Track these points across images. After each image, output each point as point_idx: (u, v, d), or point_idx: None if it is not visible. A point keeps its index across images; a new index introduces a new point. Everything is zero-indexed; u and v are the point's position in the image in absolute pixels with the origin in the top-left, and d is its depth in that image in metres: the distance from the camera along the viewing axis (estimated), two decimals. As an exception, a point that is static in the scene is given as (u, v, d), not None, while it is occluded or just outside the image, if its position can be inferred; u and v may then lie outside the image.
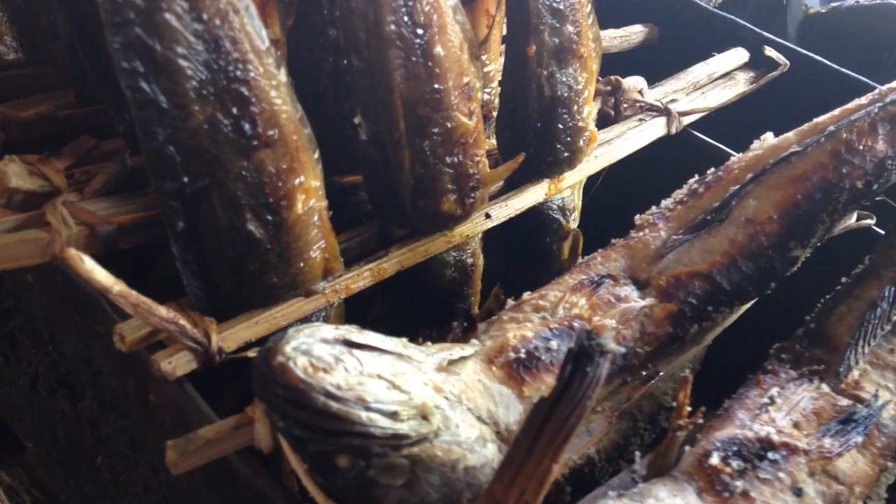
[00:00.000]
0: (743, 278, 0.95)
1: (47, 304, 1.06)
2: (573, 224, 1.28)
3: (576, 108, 1.15)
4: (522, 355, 0.82)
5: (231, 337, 0.89)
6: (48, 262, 0.93)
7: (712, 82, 1.58)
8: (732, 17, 1.72)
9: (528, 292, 0.93)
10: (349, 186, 1.12)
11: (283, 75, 0.81)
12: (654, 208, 1.01)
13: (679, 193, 1.01)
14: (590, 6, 1.12)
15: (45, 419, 1.16)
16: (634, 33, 1.72)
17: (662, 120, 1.41)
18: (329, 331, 0.72)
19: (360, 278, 1.00)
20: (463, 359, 0.80)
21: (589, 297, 0.89)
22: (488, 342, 0.84)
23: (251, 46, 0.77)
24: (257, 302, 0.91)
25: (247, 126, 0.80)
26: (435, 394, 0.73)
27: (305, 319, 0.94)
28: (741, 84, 1.60)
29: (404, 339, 0.79)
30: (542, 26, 1.07)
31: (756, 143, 1.05)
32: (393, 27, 0.90)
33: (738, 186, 0.98)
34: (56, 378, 1.09)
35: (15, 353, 1.16)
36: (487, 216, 1.12)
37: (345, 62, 1.06)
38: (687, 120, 1.45)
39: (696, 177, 1.03)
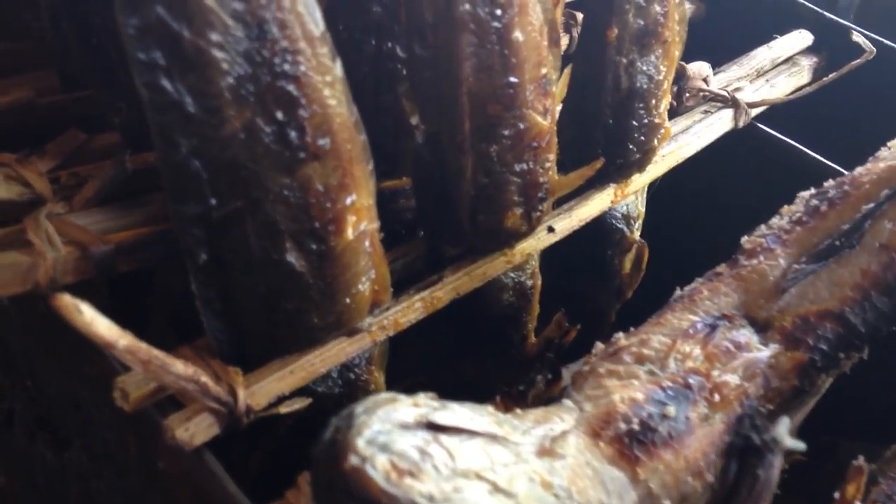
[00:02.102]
0: (878, 316, 0.78)
1: (25, 333, 0.87)
2: (637, 234, 1.11)
3: (653, 101, 0.98)
4: (635, 426, 0.65)
5: (261, 391, 0.71)
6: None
7: (775, 68, 1.41)
8: (788, -7, 1.54)
9: (622, 334, 0.76)
10: (388, 193, 0.94)
11: (338, 69, 0.63)
12: (763, 228, 0.84)
13: (794, 211, 0.84)
14: (677, -21, 0.94)
15: (21, 461, 0.97)
16: (679, 10, 1.53)
17: (729, 112, 1.24)
18: (407, 410, 0.55)
19: (411, 310, 0.82)
20: (564, 433, 0.63)
21: (703, 344, 0.73)
22: (588, 406, 0.68)
23: (303, 32, 0.59)
24: (291, 345, 0.74)
25: (293, 134, 0.61)
26: (544, 493, 0.56)
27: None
28: (806, 70, 1.43)
29: (491, 409, 0.62)
30: (627, 5, 0.90)
31: (885, 151, 0.88)
32: (467, 6, 0.72)
33: (871, 205, 0.81)
34: (35, 419, 0.90)
35: (-14, 383, 0.98)
36: (551, 230, 0.95)
37: (388, 45, 0.88)
38: (754, 112, 1.28)
39: (812, 190, 0.86)
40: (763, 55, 1.39)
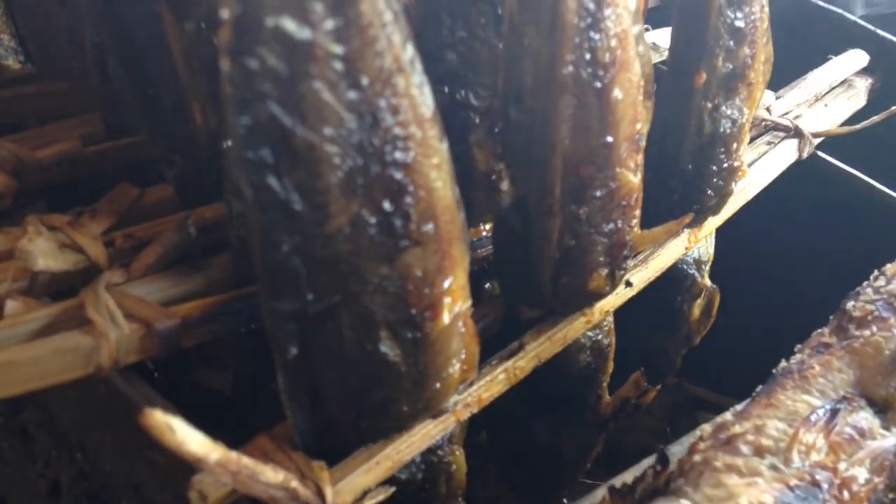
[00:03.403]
0: None
1: (77, 407, 0.82)
2: (707, 279, 1.05)
3: (735, 145, 0.92)
4: (767, 535, 0.60)
5: (347, 487, 0.66)
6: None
7: (832, 90, 1.35)
8: (839, 10, 1.48)
9: (731, 417, 0.70)
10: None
11: (445, 148, 0.57)
12: (870, 292, 0.79)
13: (904, 271, 0.79)
14: (767, 19, 0.88)
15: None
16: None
17: (793, 143, 1.18)
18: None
19: (494, 383, 0.77)
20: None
21: (826, 433, 0.67)
22: (709, 508, 0.62)
23: (415, 115, 0.53)
24: (376, 433, 0.68)
25: (398, 223, 0.56)
26: None
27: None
28: (862, 92, 1.37)
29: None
30: (717, 49, 0.84)
31: None
32: (570, 68, 0.66)
33: None
34: (86, 494, 0.85)
35: (28, 447, 0.92)
36: (628, 284, 0.89)
37: (461, 93, 0.82)
38: (816, 140, 1.22)
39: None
40: (820, 78, 1.33)
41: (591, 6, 0.64)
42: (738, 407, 0.72)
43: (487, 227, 0.91)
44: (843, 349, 0.74)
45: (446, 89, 0.83)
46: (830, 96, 1.34)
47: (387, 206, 0.54)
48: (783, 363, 0.75)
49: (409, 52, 0.51)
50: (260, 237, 0.52)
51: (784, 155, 1.16)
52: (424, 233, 0.58)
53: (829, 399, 0.70)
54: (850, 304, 0.78)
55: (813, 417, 0.68)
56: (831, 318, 0.81)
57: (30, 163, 0.81)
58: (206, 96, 0.79)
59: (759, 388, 0.74)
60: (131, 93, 0.82)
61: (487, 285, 0.95)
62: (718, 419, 0.72)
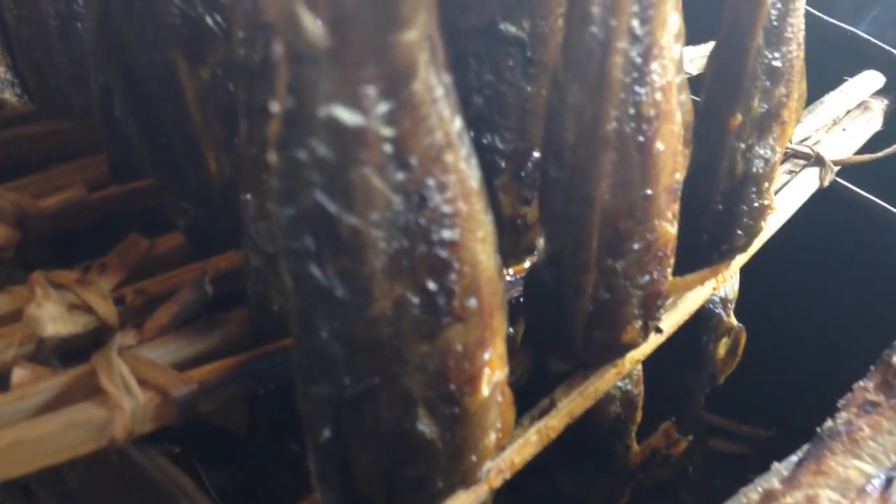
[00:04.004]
0: None
1: (85, 469, 0.77)
2: (733, 318, 1.02)
3: (766, 184, 0.89)
4: None
5: (378, 565, 0.62)
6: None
7: (848, 114, 1.32)
8: (853, 29, 1.45)
9: (779, 485, 0.67)
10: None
11: (490, 220, 0.53)
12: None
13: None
14: (803, 56, 0.85)
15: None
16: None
17: (815, 171, 1.15)
18: None
19: (527, 446, 0.74)
20: None
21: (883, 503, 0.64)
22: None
23: (462, 190, 0.50)
24: (410, 508, 0.64)
25: (441, 301, 0.52)
26: None
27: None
28: (878, 115, 1.34)
29: None
30: (754, 90, 0.80)
31: None
32: (614, 124, 0.62)
33: None
34: (93, 558, 0.80)
35: (31, 505, 0.87)
36: (658, 330, 0.86)
37: (488, 138, 0.79)
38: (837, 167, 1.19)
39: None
40: (837, 101, 1.30)
41: (638, 61, 0.60)
42: (785, 472, 0.69)
43: (510, 270, 0.88)
44: (891, 408, 0.71)
45: (472, 134, 0.79)
46: (848, 119, 1.31)
47: (431, 285, 0.51)
48: (829, 422, 0.72)
49: (458, 124, 0.47)
50: (298, 323, 0.48)
51: (806, 184, 1.13)
52: (468, 308, 0.54)
53: (882, 466, 0.67)
54: (894, 359, 0.75)
55: (868, 488, 0.65)
56: (872, 369, 0.78)
57: (33, 213, 0.77)
58: (221, 144, 0.75)
59: (806, 448, 0.71)
60: (140, 139, 0.78)
61: (510, 330, 0.92)
62: (765, 485, 0.68)
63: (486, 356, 0.59)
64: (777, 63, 0.80)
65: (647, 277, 0.75)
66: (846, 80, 1.35)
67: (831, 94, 1.30)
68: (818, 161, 1.15)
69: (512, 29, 0.75)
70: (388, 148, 0.43)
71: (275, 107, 0.38)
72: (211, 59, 0.71)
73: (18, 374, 0.65)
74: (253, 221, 0.70)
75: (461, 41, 0.75)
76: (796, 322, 1.30)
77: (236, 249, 0.81)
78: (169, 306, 0.71)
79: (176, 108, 0.73)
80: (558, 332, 0.76)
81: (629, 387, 0.87)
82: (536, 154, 0.80)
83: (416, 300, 0.51)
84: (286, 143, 0.39)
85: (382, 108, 0.42)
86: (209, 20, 0.69)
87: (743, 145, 0.84)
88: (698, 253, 0.90)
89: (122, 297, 0.73)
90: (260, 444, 0.85)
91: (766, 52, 0.79)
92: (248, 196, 0.69)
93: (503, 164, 0.81)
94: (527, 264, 0.85)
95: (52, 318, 0.66)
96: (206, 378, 0.69)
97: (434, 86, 0.44)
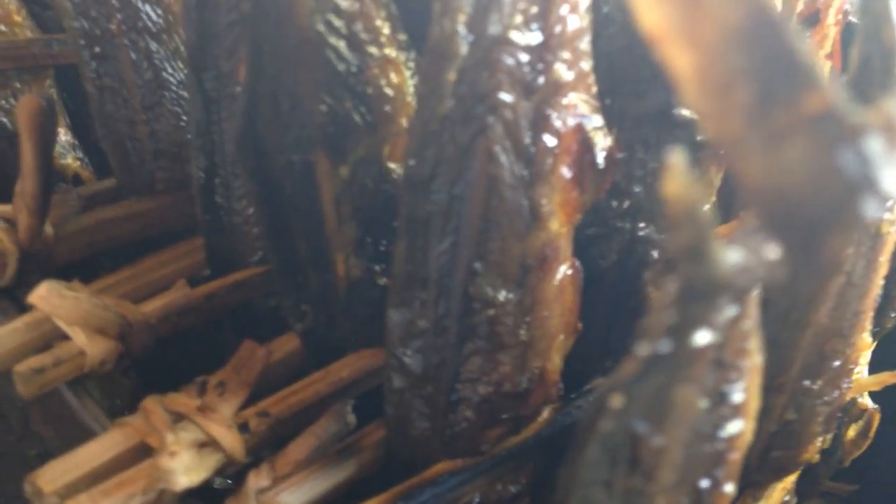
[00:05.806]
0: None
1: None
2: (867, 398, 0.94)
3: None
4: None
5: None
6: None
7: None
8: None
9: None
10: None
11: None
12: None
13: None
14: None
15: None
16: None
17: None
18: None
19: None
20: None
21: None
22: None
23: (752, 375, 0.40)
24: None
25: (707, 499, 0.43)
26: None
27: None
28: None
29: None
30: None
31: None
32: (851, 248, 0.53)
33: None
34: None
35: None
36: (817, 434, 0.77)
37: (643, 227, 0.70)
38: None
39: None
40: None
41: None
42: None
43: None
44: None
45: (628, 225, 0.71)
46: None
47: (704, 483, 0.42)
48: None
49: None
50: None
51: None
52: (724, 495, 0.45)
53: None
54: None
55: None
56: None
57: (136, 321, 0.67)
58: (353, 244, 0.66)
59: None
60: (271, 244, 0.69)
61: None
62: None
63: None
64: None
65: (835, 393, 0.67)
66: None
67: None
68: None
69: (686, 113, 0.66)
70: (711, 354, 0.35)
71: (644, 349, 0.29)
72: (352, 157, 0.62)
73: (146, 536, 0.56)
74: (401, 340, 0.61)
75: (630, 128, 0.66)
76: None
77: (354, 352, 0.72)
78: (306, 439, 0.62)
79: (311, 210, 0.64)
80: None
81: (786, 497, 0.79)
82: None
83: (685, 501, 0.42)
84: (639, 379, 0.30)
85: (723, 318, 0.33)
86: (356, 116, 0.60)
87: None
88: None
89: (245, 423, 0.64)
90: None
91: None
92: (396, 314, 0.61)
93: (655, 255, 0.72)
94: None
95: (187, 469, 0.57)
96: (354, 526, 0.60)
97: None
